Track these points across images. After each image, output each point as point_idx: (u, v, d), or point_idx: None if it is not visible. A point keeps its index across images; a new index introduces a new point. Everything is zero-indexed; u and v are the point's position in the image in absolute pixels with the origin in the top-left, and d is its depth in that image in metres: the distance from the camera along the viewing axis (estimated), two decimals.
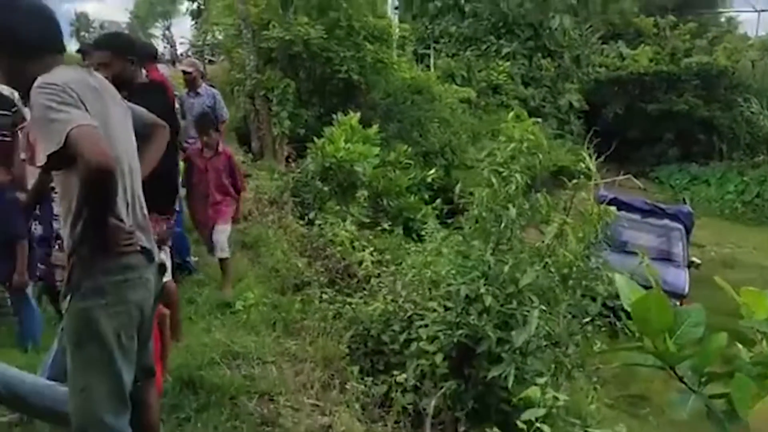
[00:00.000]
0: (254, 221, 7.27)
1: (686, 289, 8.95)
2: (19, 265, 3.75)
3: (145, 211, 2.09)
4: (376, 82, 14.21)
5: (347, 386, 3.35)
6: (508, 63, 19.89)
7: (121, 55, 3.43)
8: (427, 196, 10.14)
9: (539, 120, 5.17)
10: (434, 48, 21.35)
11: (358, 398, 3.34)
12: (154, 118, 2.52)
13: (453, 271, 4.27)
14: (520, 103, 18.02)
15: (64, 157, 1.73)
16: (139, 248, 1.97)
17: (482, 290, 3.90)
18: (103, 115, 1.90)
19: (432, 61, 20.33)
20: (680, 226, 10.38)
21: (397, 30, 18.74)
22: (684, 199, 16.49)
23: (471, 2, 21.24)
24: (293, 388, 3.15)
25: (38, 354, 3.40)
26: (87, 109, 1.81)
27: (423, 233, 8.49)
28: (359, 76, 13.39)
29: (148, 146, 2.38)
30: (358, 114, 10.50)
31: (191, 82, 6.55)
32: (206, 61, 23.37)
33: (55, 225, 4.10)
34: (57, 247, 3.25)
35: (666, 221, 10.44)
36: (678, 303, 7.99)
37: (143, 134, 2.30)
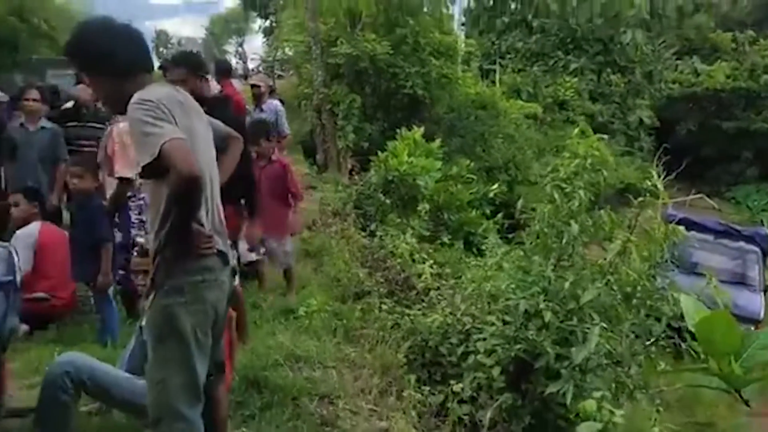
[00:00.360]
0: (318, 231, 7.46)
1: (761, 314, 8.54)
2: (103, 266, 4.03)
3: (222, 217, 2.25)
4: (440, 97, 14.32)
5: (404, 394, 3.42)
6: (575, 78, 19.59)
7: (194, 72, 3.69)
8: (488, 211, 10.11)
9: (604, 136, 5.11)
10: (500, 63, 21.29)
11: (415, 406, 3.40)
12: (229, 130, 2.70)
13: (512, 286, 4.27)
14: (587, 118, 17.70)
15: (156, 168, 1.90)
16: (215, 251, 2.12)
17: (542, 306, 3.89)
18: (189, 128, 2.07)
19: (498, 76, 20.27)
20: (757, 249, 9.91)
21: (463, 46, 18.86)
22: (762, 221, 15.71)
23: (539, 18, 21.04)
24: (352, 393, 3.24)
25: (116, 349, 3.62)
26: (176, 124, 1.98)
27: (483, 248, 8.50)
28: (424, 91, 13.54)
29: (225, 157, 2.55)
30: (422, 128, 10.60)
31: (258, 97, 6.82)
32: (276, 76, 24.19)
33: (133, 232, 4.38)
34: (135, 253, 3.48)
35: (741, 243, 9.99)
36: (753, 327, 7.64)
37: (220, 146, 2.47)
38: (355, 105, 13.67)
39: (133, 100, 1.98)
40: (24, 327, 3.84)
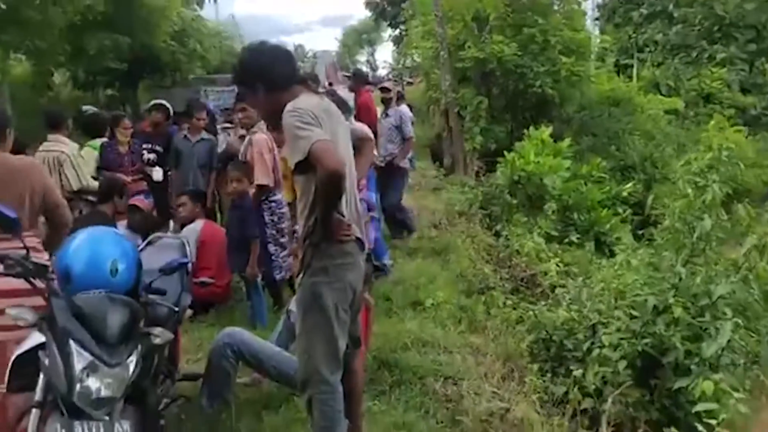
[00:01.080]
0: (444, 230, 7.70)
1: None
2: (252, 259, 4.54)
3: (360, 208, 2.56)
4: (570, 95, 14.01)
5: (526, 380, 3.55)
6: (723, 69, 18.13)
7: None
8: (622, 211, 9.76)
9: (742, 128, 4.86)
10: (638, 58, 20.28)
11: (536, 391, 3.52)
12: (365, 132, 3.02)
13: (640, 282, 4.23)
14: (737, 112, 16.36)
15: (306, 166, 2.24)
16: (354, 238, 2.44)
17: (671, 301, 3.83)
18: (333, 132, 2.41)
19: (635, 71, 19.33)
20: None
21: (597, 41, 18.22)
22: None
23: (680, 7, 19.78)
24: (475, 376, 3.43)
25: (264, 332, 4.08)
26: (323, 128, 2.31)
27: (615, 249, 8.26)
28: (553, 90, 13.33)
29: (359, 157, 2.88)
30: (550, 128, 10.48)
31: (387, 102, 7.15)
32: (404, 83, 24.85)
33: (267, 231, 4.82)
34: (294, 241, 3.84)
35: None
36: None
37: (356, 146, 2.80)
38: (482, 107, 13.77)
39: (287, 108, 2.34)
40: (188, 311, 4.44)
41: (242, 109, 5.05)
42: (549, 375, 4.03)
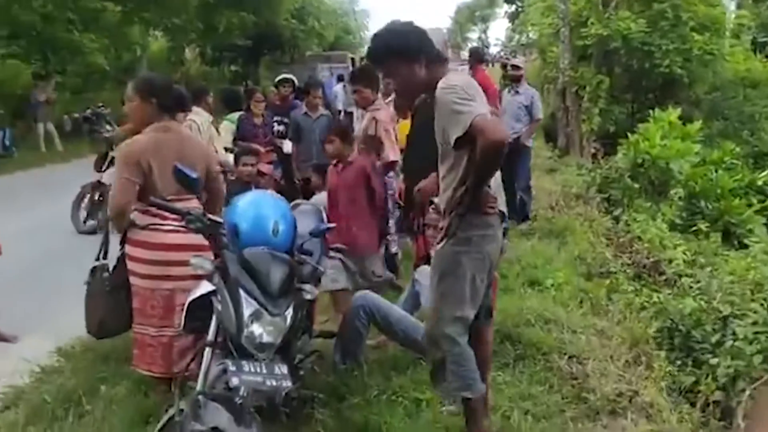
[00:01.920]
0: (560, 212, 7.57)
1: None
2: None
3: (500, 182, 2.62)
4: (701, 75, 13.14)
5: (654, 365, 3.49)
6: None
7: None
8: (755, 201, 9.09)
9: None
10: None
11: (664, 378, 3.45)
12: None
13: None
14: None
15: (465, 140, 2.32)
16: (498, 211, 2.51)
17: None
18: (487, 107, 2.48)
19: None
20: None
21: (733, 17, 16.85)
22: None
23: None
24: (600, 357, 3.42)
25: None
26: (478, 102, 2.39)
27: (746, 241, 7.74)
28: (682, 69, 12.55)
29: None
30: (678, 110, 9.91)
31: (517, 79, 7.06)
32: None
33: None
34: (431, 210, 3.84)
35: None
36: None
37: None
38: (602, 87, 13.23)
39: (440, 86, 2.43)
40: None
41: (357, 90, 4.97)
42: (677, 364, 3.93)
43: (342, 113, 12.28)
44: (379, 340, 3.79)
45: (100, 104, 16.30)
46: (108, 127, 15.65)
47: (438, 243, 2.60)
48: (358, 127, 6.65)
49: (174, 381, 3.16)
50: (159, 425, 2.43)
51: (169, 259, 2.87)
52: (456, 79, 2.46)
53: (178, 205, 2.67)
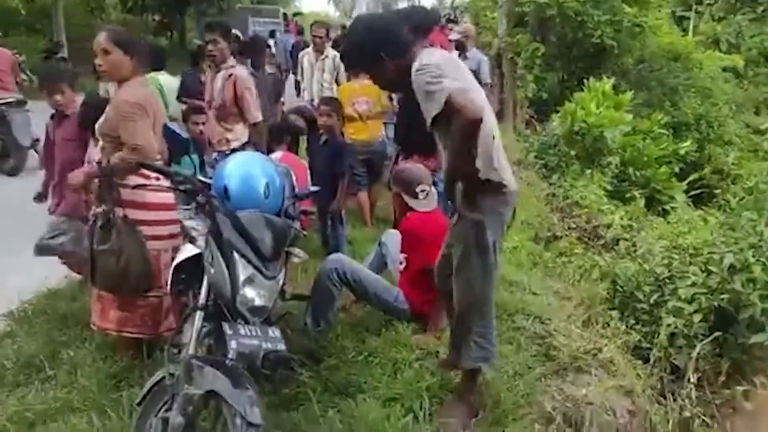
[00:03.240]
0: None
1: None
2: (339, 194, 4.69)
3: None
4: (630, 47, 13.62)
5: (610, 325, 3.72)
6: None
7: None
8: (678, 170, 9.69)
9: None
10: (696, 10, 19.47)
11: (619, 336, 3.69)
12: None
13: (719, 240, 4.31)
14: None
15: (444, 117, 2.29)
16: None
17: (751, 260, 3.92)
18: (466, 81, 2.47)
19: (691, 24, 18.61)
20: None
21: None
22: None
23: None
24: (561, 317, 3.62)
25: None
26: (453, 77, 2.35)
27: (667, 207, 8.26)
28: (612, 40, 12.97)
29: None
30: (612, 79, 10.30)
31: (462, 46, 7.11)
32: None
33: None
34: None
35: None
36: None
37: None
38: (537, 54, 13.47)
39: (414, 68, 2.38)
40: None
41: (212, 41, 4.49)
42: (628, 326, 4.19)
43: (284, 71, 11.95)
44: (346, 302, 3.82)
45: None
46: (23, 76, 14.55)
47: (453, 214, 2.61)
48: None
49: (142, 344, 3.12)
50: (145, 388, 2.36)
51: (156, 219, 2.77)
52: (428, 58, 2.41)
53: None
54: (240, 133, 4.56)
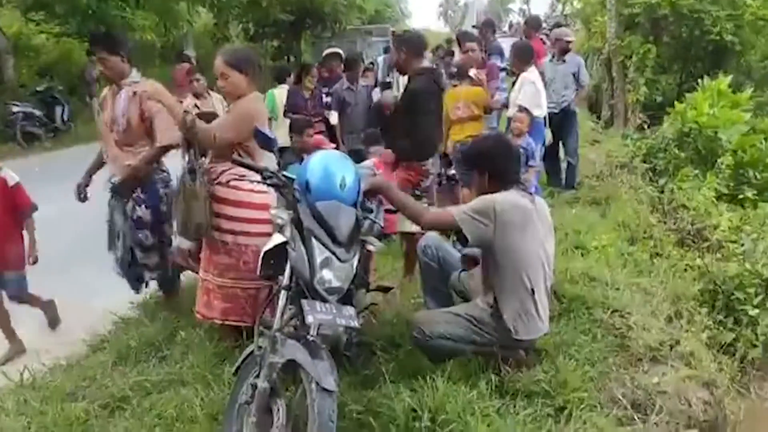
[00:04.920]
0: (604, 181, 7.63)
1: None
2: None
3: None
4: (753, 42, 12.74)
5: (695, 319, 3.64)
6: None
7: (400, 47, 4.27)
8: None
9: None
10: None
11: (704, 331, 3.59)
12: None
13: None
14: None
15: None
16: None
17: None
18: (519, 227, 2.89)
19: None
20: None
21: None
22: None
23: None
24: (643, 312, 3.59)
25: None
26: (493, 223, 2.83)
27: None
28: (733, 36, 12.20)
29: None
30: (729, 78, 9.71)
31: (564, 51, 7.13)
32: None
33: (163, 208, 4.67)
34: None
35: None
36: None
37: None
38: (649, 56, 12.96)
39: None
40: None
41: (99, 59, 3.93)
42: (717, 323, 4.06)
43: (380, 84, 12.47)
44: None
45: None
46: None
47: None
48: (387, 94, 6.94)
49: (243, 330, 3.52)
50: (239, 360, 2.72)
51: (251, 217, 3.20)
52: (503, 198, 2.94)
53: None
54: None
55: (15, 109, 12.63)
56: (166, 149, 3.86)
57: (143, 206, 3.92)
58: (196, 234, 3.36)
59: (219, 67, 3.29)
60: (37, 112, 12.87)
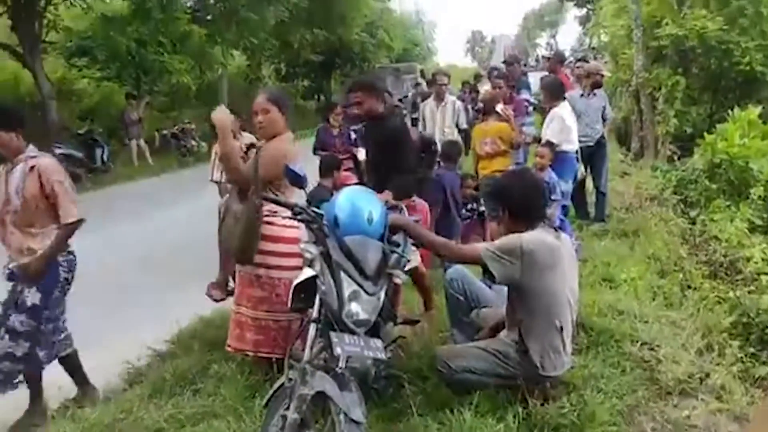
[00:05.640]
0: (634, 213, 7.59)
1: None
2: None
3: None
4: None
5: (726, 352, 3.58)
6: None
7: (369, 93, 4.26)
8: None
9: None
10: None
11: (736, 364, 3.54)
12: None
13: None
14: None
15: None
16: None
17: None
18: (542, 268, 2.91)
19: None
20: None
21: None
22: None
23: None
24: (673, 345, 3.56)
25: None
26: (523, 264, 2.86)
27: None
28: (763, 66, 12.12)
29: None
30: (759, 108, 9.64)
31: (596, 85, 7.22)
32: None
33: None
34: None
35: None
36: None
37: None
38: (678, 88, 12.96)
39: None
40: None
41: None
42: (750, 356, 3.99)
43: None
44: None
45: (187, 121, 17.43)
46: (193, 142, 16.71)
47: None
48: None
49: (274, 363, 3.60)
50: (270, 392, 2.79)
51: (284, 251, 3.31)
52: (531, 237, 2.97)
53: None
54: (49, 237, 3.59)
55: (57, 151, 13.13)
56: (74, 227, 3.60)
57: (34, 288, 3.56)
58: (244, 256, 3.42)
59: (261, 103, 3.44)
60: (78, 154, 13.36)
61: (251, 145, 4.92)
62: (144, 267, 6.78)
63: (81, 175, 13.36)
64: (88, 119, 15.91)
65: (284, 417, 2.61)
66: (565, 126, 6.02)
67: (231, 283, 4.39)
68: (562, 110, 6.09)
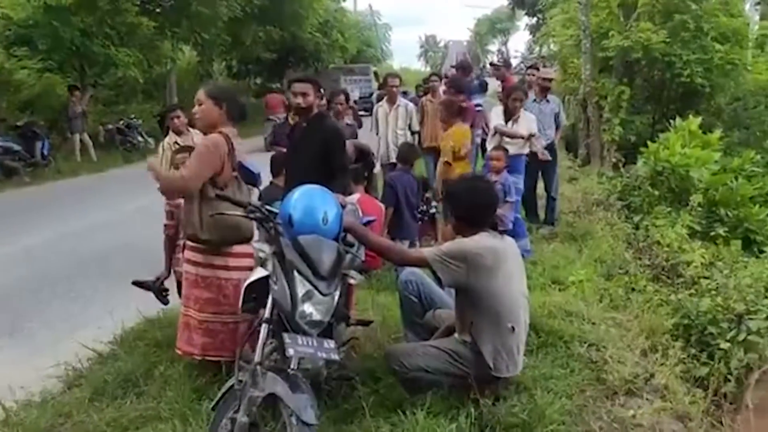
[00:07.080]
0: (581, 218, 7.79)
1: None
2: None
3: None
4: (722, 85, 13.23)
5: (669, 353, 3.71)
6: None
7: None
8: None
9: None
10: None
11: (678, 365, 3.66)
12: None
13: None
14: None
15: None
16: None
17: None
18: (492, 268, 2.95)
19: None
20: None
21: (756, 28, 16.93)
22: None
23: None
24: (618, 345, 3.66)
25: None
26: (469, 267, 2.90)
27: (766, 249, 7.87)
28: (703, 79, 12.67)
29: None
30: (699, 119, 10.06)
31: (546, 90, 7.35)
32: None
33: None
34: None
35: None
36: None
37: None
38: (623, 97, 13.37)
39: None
40: None
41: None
42: (691, 357, 4.13)
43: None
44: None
45: (132, 116, 16.90)
46: (140, 138, 16.22)
47: None
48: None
49: (223, 365, 3.51)
50: (219, 394, 2.71)
51: (231, 251, 3.22)
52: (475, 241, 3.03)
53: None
54: None
55: None
56: None
57: None
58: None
59: (198, 95, 3.38)
60: (17, 147, 12.78)
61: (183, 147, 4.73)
62: (86, 266, 6.51)
63: (19, 168, 12.79)
64: (28, 111, 15.23)
65: (233, 420, 2.54)
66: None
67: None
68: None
